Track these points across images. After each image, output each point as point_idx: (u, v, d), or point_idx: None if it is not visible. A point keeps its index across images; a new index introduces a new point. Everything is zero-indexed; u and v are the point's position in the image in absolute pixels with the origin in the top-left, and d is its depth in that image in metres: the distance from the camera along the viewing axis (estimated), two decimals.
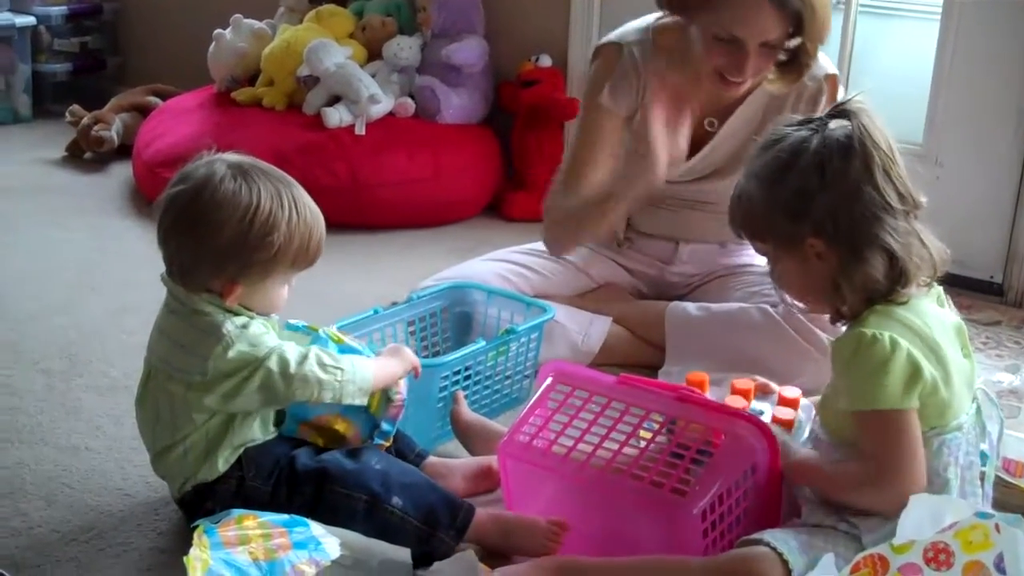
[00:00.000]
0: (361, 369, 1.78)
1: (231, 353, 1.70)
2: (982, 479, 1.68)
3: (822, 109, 2.08)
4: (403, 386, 1.88)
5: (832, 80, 2.36)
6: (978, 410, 1.67)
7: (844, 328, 1.67)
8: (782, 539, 1.57)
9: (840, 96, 2.30)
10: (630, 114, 2.40)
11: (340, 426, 1.84)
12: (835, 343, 1.64)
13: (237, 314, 1.75)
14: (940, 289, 1.69)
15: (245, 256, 1.71)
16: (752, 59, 2.18)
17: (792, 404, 1.92)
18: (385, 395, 1.86)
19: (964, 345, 1.68)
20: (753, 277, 2.49)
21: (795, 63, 2.25)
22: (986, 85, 3.01)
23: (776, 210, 1.63)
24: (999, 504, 1.75)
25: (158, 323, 1.81)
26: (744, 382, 1.96)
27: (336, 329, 1.93)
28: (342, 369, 1.75)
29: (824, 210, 1.59)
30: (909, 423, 1.56)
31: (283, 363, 1.71)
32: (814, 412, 1.85)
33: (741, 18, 2.13)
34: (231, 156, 1.78)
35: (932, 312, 1.64)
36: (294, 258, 1.75)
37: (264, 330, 1.76)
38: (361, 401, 1.79)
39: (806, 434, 1.85)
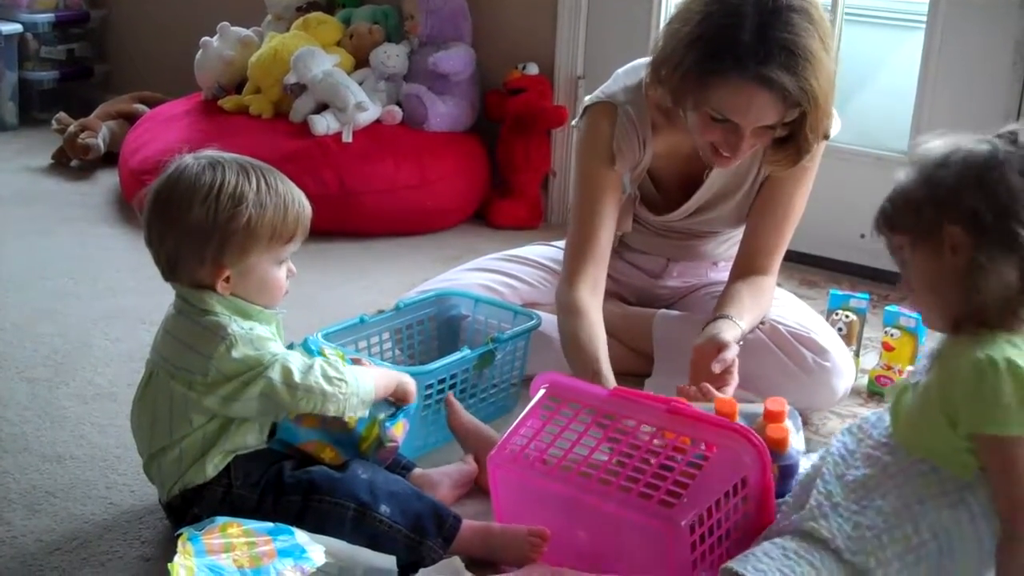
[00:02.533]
0: (364, 382, 1.79)
1: (234, 353, 1.70)
2: None
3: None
4: (399, 435, 1.89)
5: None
6: None
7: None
8: (764, 573, 1.54)
9: (833, 131, 2.25)
10: (631, 168, 2.32)
11: (327, 455, 1.84)
12: (974, 364, 1.53)
13: (241, 311, 1.75)
14: None
15: (219, 231, 1.72)
16: (747, 140, 2.07)
17: (779, 417, 1.87)
18: (379, 439, 1.86)
19: None
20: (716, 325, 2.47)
21: (792, 142, 2.14)
22: (971, 91, 3.02)
23: (925, 198, 1.59)
24: None
25: (164, 324, 1.81)
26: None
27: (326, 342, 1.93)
28: (346, 382, 1.76)
29: (973, 203, 1.55)
30: None
31: (286, 372, 1.71)
32: (799, 418, 1.83)
33: (736, 104, 2.02)
34: (200, 151, 1.80)
35: None
36: (272, 230, 1.75)
37: (269, 336, 1.76)
38: (363, 413, 1.80)
39: (801, 445, 1.83)
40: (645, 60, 2.25)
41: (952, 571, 1.55)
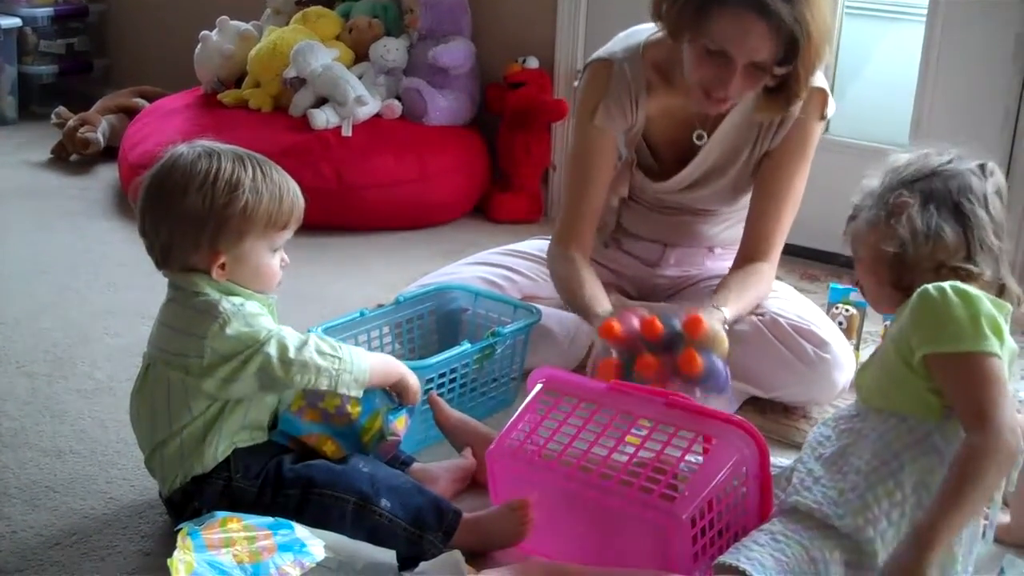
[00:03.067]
0: (359, 360, 1.79)
1: (228, 331, 1.70)
2: None
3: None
4: (401, 430, 1.89)
5: (820, 95, 2.29)
6: None
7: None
8: (757, 561, 1.55)
9: (829, 111, 2.31)
10: (625, 130, 2.36)
11: (328, 448, 1.84)
12: (922, 291, 1.64)
13: (233, 294, 1.75)
14: (1011, 311, 1.70)
15: (216, 216, 1.72)
16: (738, 78, 2.10)
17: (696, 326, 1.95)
18: (381, 432, 1.86)
19: (1010, 369, 1.67)
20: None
21: (784, 90, 2.17)
22: (972, 85, 3.02)
23: (882, 189, 1.77)
24: None
25: (158, 316, 1.82)
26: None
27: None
28: (340, 358, 1.76)
29: (924, 184, 1.71)
30: (999, 367, 1.59)
31: (282, 348, 1.72)
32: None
33: (733, 34, 2.05)
34: (194, 141, 1.81)
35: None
36: (268, 216, 1.76)
37: (261, 311, 1.76)
38: (356, 393, 1.79)
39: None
40: (646, 25, 2.31)
41: None
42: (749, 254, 2.34)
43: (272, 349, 1.71)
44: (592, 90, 2.35)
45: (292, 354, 1.72)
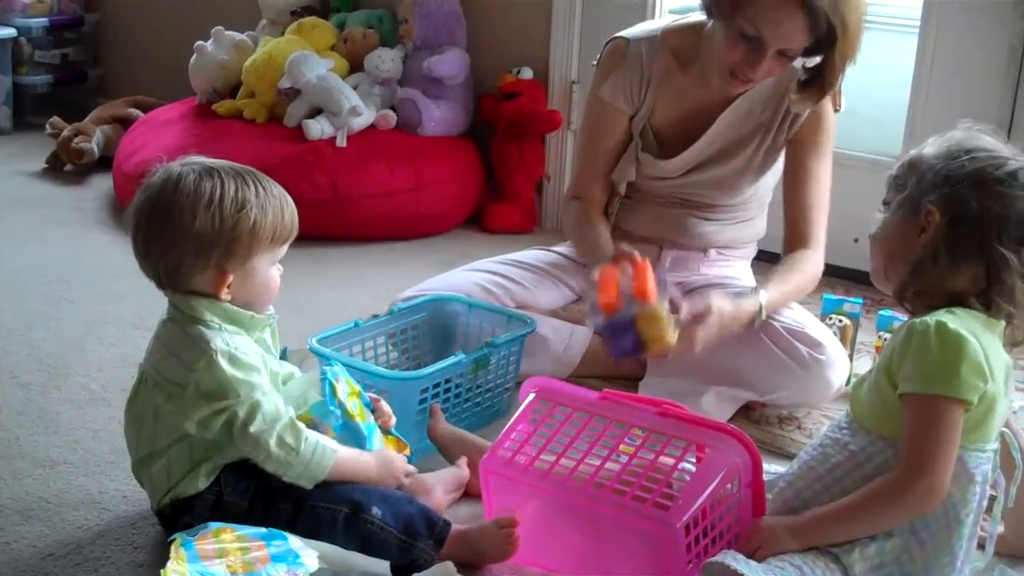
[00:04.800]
0: (319, 460, 1.74)
1: (215, 370, 1.70)
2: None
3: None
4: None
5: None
6: (996, 451, 1.67)
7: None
8: (743, 561, 1.56)
9: (842, 104, 2.39)
10: (633, 111, 2.45)
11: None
12: (910, 328, 1.62)
13: (234, 320, 1.75)
14: (1002, 326, 1.68)
15: (225, 237, 1.71)
16: (766, 62, 2.20)
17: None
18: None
19: (1007, 383, 1.68)
20: (736, 291, 2.48)
21: (819, 80, 2.27)
22: (964, 96, 3.02)
23: (928, 169, 1.66)
24: None
25: (156, 330, 1.81)
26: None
27: (357, 390, 1.89)
28: (298, 453, 1.73)
29: (963, 197, 1.61)
30: (959, 419, 1.58)
31: (249, 415, 1.70)
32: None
33: (772, 19, 2.13)
34: (184, 159, 1.79)
35: (994, 340, 1.64)
36: (273, 231, 1.76)
37: (256, 363, 1.75)
38: (306, 485, 1.75)
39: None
40: (669, 18, 2.43)
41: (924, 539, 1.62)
42: (792, 244, 2.41)
43: (241, 411, 1.70)
44: (605, 66, 2.47)
45: (252, 428, 1.70)
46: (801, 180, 2.41)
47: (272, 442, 1.71)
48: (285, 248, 1.81)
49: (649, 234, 2.56)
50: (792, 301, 2.36)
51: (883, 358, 1.67)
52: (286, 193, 1.81)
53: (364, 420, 1.85)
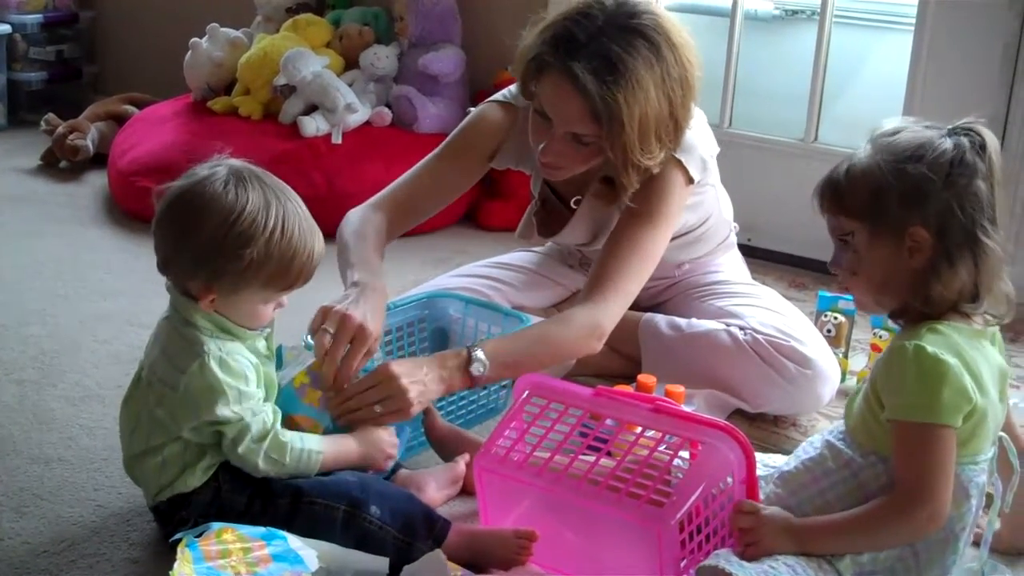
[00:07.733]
0: (305, 466, 1.78)
1: (206, 375, 1.70)
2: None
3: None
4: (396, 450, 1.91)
5: (676, 163, 2.16)
6: (994, 455, 1.67)
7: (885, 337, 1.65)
8: (737, 563, 1.56)
9: (696, 175, 2.19)
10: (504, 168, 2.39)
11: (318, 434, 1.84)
12: (892, 351, 1.61)
13: (224, 329, 1.75)
14: (996, 330, 1.67)
15: (217, 262, 1.71)
16: (555, 143, 2.06)
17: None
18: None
19: (1002, 390, 1.67)
20: (724, 297, 2.48)
21: (612, 182, 2.13)
22: (960, 95, 3.02)
23: (892, 192, 1.60)
24: None
25: (156, 327, 1.82)
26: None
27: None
28: (284, 465, 1.75)
29: (941, 205, 1.59)
30: (950, 443, 1.56)
31: (239, 437, 1.72)
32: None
33: (551, 98, 2.04)
34: (237, 162, 1.78)
35: (983, 349, 1.64)
36: (269, 277, 1.74)
37: (249, 372, 1.75)
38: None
39: None
40: None
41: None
42: (582, 292, 2.19)
43: (231, 432, 1.72)
44: (491, 131, 2.30)
45: (240, 449, 1.72)
46: (618, 240, 2.15)
47: (260, 460, 1.74)
48: (285, 294, 1.81)
49: None
50: (537, 358, 2.06)
51: (870, 378, 1.66)
52: (312, 239, 1.81)
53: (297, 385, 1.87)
